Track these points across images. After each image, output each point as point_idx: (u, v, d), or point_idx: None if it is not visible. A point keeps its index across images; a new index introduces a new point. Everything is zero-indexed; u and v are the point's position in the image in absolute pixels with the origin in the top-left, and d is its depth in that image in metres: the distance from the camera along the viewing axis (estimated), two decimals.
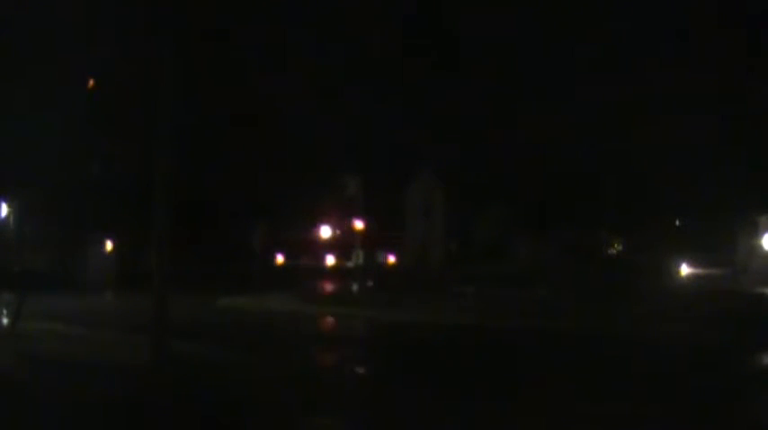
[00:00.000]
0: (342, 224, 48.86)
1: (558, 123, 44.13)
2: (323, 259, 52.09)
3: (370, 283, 38.82)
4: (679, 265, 51.54)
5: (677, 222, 55.79)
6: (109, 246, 40.87)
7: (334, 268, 50.92)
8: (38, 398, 10.25)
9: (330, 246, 50.66)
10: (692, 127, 42.77)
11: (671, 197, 49.01)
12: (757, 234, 42.47)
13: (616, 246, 57.24)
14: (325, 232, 47.82)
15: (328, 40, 43.45)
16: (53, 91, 32.83)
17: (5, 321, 19.26)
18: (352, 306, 25.85)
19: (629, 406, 10.16)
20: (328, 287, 38.82)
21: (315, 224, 48.48)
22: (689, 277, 49.21)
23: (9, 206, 21.67)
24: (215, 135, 42.15)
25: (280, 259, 51.82)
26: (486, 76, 45.49)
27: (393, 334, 20.01)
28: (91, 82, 35.07)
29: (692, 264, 52.02)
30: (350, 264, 49.44)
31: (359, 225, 44.88)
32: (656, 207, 50.30)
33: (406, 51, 45.25)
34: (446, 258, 51.08)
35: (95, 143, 36.57)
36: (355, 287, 36.95)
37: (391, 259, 55.30)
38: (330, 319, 23.82)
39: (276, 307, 26.14)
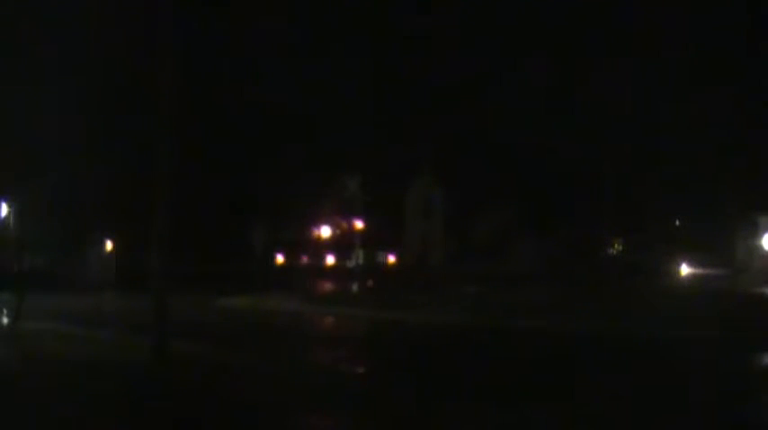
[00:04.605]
0: (342, 224, 48.87)
1: (558, 123, 44.17)
2: (323, 259, 52.10)
3: (370, 283, 38.85)
4: (679, 265, 51.59)
5: (677, 222, 55.82)
6: (109, 246, 40.88)
7: (334, 268, 50.92)
8: (38, 397, 10.25)
9: (330, 246, 50.67)
10: (692, 127, 42.81)
11: (671, 197, 49.04)
12: (757, 234, 42.50)
13: (616, 246, 57.29)
14: (325, 232, 47.84)
15: (328, 41, 43.46)
16: (53, 91, 32.84)
17: (5, 321, 19.28)
18: (352, 306, 25.84)
19: (628, 406, 10.17)
20: (328, 287, 38.81)
21: (315, 224, 48.50)
22: (689, 277, 49.23)
23: (9, 206, 21.67)
24: (215, 134, 42.14)
25: (280, 259, 51.82)
26: (486, 76, 45.51)
27: (393, 334, 20.00)
28: None
29: (692, 264, 52.07)
30: (350, 264, 49.44)
31: (359, 225, 44.91)
32: (656, 207, 50.31)
33: (405, 51, 45.30)
34: (446, 258, 51.13)
35: (95, 143, 36.58)
36: (355, 287, 36.98)
37: (391, 259, 55.32)
38: (330, 319, 23.81)
39: (276, 307, 26.14)
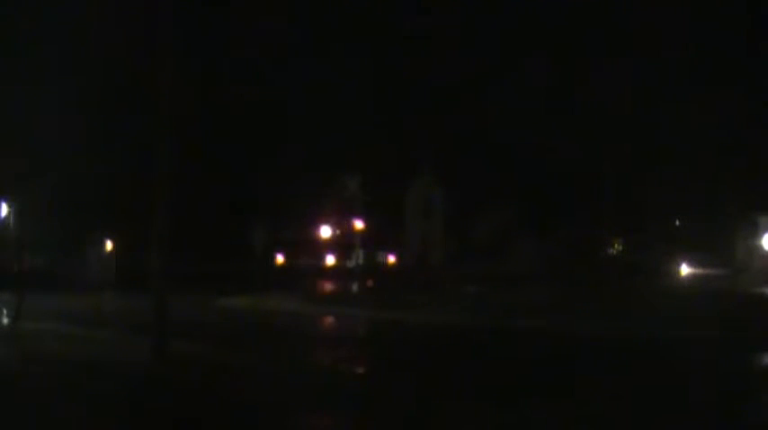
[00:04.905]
0: (342, 224, 48.87)
1: (558, 123, 44.17)
2: (323, 259, 52.08)
3: (369, 283, 38.86)
4: (679, 265, 51.58)
5: (677, 222, 55.79)
6: (109, 246, 40.87)
7: (334, 268, 50.91)
8: (38, 397, 10.25)
9: (330, 246, 50.66)
10: (692, 127, 42.81)
11: (671, 197, 49.00)
12: (757, 234, 42.50)
13: (616, 246, 57.30)
14: (325, 232, 47.83)
15: (328, 41, 43.47)
16: (53, 91, 32.85)
17: (5, 321, 19.27)
18: (352, 306, 25.84)
19: (628, 406, 10.17)
20: (328, 287, 38.81)
21: (315, 224, 48.48)
22: (689, 277, 49.23)
23: (9, 206, 21.67)
24: (215, 135, 42.14)
25: (280, 259, 51.81)
26: (486, 76, 45.51)
27: (393, 334, 20.00)
28: None
29: (691, 264, 52.06)
30: (350, 264, 49.43)
31: (359, 225, 44.91)
32: (656, 207, 50.29)
33: (405, 50, 45.32)
34: (446, 258, 51.13)
35: (95, 142, 36.58)
36: (355, 287, 36.96)
37: (391, 259, 55.31)
38: (330, 319, 23.81)
39: (276, 307, 26.14)
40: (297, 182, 46.69)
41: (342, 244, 49.87)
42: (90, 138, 35.78)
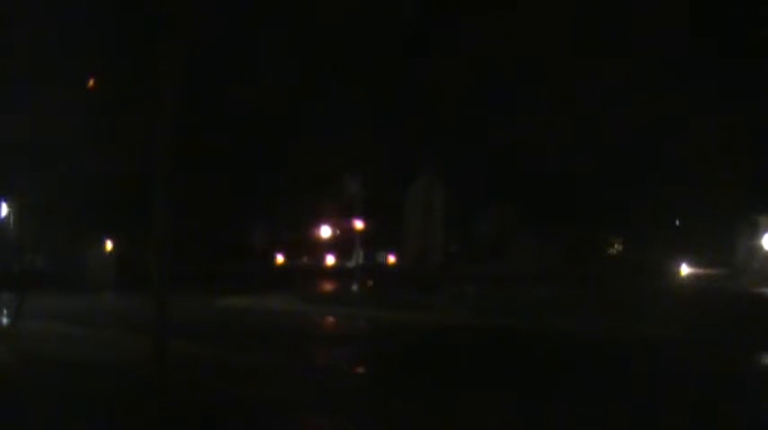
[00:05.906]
0: (342, 224, 48.85)
1: (558, 123, 44.16)
2: (323, 259, 52.09)
3: (370, 283, 38.86)
4: (679, 265, 51.57)
5: (677, 222, 55.75)
6: (109, 246, 40.85)
7: (334, 268, 50.91)
8: (38, 397, 10.25)
9: (330, 246, 50.66)
10: (692, 127, 42.79)
11: (671, 197, 48.97)
12: (757, 234, 42.50)
13: (616, 246, 57.26)
14: (325, 232, 47.83)
15: (329, 40, 43.47)
16: (53, 90, 32.83)
17: (5, 321, 19.27)
18: (352, 306, 25.87)
19: (626, 406, 10.17)
20: (328, 287, 38.84)
21: (315, 224, 48.49)
22: (689, 277, 49.25)
23: (9, 206, 21.66)
24: (215, 134, 42.14)
25: (280, 259, 51.82)
26: (485, 74, 45.50)
27: (393, 334, 20.01)
28: (91, 81, 35.09)
29: (692, 264, 52.06)
30: (350, 264, 49.39)
31: (359, 225, 44.89)
32: (656, 207, 50.26)
33: (405, 51, 45.34)
34: (446, 258, 51.07)
35: (95, 142, 36.55)
36: (355, 287, 36.95)
37: (391, 259, 55.29)
38: (330, 319, 23.82)
39: (276, 307, 26.15)
40: (297, 182, 46.68)
41: (342, 244, 49.87)
42: (90, 138, 35.73)
